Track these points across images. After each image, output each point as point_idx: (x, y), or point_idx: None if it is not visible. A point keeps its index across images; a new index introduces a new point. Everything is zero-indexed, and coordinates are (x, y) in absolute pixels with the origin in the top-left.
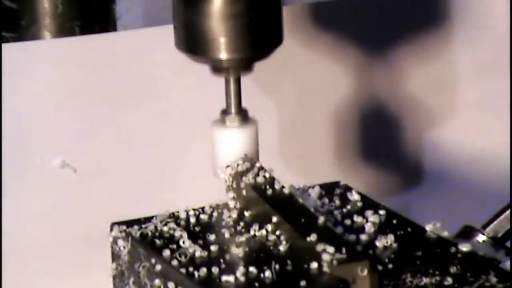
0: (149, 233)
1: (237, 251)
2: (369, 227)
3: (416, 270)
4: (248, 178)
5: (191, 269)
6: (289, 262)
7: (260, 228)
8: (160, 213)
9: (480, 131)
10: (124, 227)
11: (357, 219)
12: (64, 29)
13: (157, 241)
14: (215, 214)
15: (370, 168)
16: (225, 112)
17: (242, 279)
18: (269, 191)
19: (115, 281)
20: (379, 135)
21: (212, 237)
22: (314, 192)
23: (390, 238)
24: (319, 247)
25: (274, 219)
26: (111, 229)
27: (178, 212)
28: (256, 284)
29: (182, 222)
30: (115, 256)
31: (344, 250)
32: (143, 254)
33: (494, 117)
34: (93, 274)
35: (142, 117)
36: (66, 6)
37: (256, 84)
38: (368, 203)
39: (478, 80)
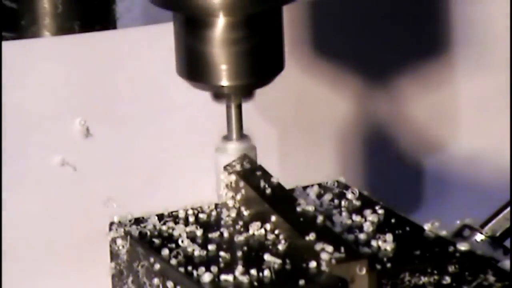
0: (148, 232)
1: (236, 251)
2: (367, 226)
3: (415, 269)
4: (247, 178)
5: (190, 268)
6: (288, 261)
7: (259, 227)
8: (159, 213)
9: (480, 131)
10: (123, 226)
11: (356, 218)
12: (64, 29)
13: (156, 240)
14: (214, 213)
15: (370, 168)
16: (226, 138)
17: (240, 278)
18: (268, 190)
19: (114, 280)
20: (379, 135)
21: (211, 236)
22: (313, 191)
23: (389, 237)
24: (318, 246)
25: (273, 218)
26: (110, 228)
27: (177, 211)
28: (255, 283)
29: (181, 221)
30: (114, 255)
31: (342, 249)
32: (142, 253)
33: (494, 117)
34: (92, 273)
35: (142, 115)
36: (66, 6)
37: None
38: (367, 202)
39: (478, 79)
